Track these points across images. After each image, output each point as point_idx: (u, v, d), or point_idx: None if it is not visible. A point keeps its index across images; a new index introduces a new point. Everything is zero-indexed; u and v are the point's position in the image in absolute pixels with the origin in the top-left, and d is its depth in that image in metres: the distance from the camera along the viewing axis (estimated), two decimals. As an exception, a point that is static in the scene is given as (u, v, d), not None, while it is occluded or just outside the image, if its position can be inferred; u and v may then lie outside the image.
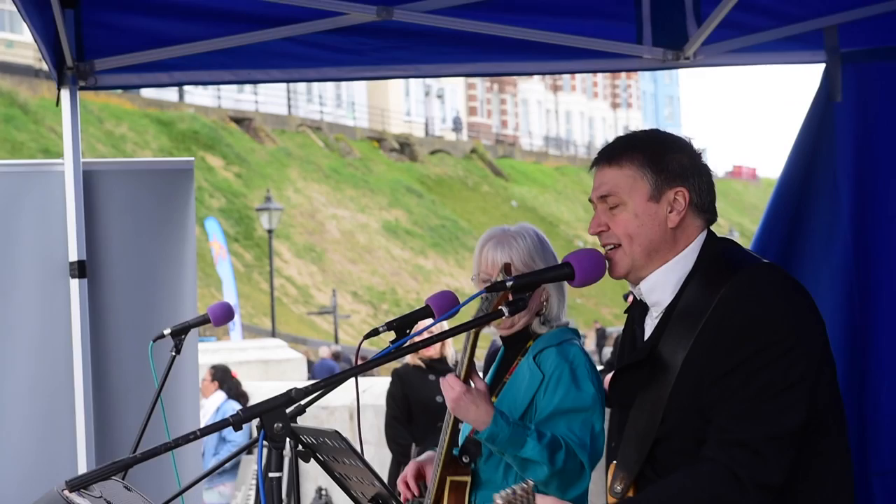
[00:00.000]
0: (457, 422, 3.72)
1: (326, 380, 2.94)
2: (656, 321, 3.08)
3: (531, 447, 3.65)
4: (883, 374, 5.23)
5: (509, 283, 2.97)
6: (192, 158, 5.73)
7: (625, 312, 3.30)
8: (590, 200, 3.15)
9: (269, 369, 15.53)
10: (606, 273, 3.12)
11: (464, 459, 3.84)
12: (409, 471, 4.01)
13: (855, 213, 5.19)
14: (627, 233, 3.05)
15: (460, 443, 3.88)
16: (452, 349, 8.50)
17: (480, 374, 3.73)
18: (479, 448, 3.82)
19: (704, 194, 3.08)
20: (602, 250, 3.13)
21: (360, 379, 3.35)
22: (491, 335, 4.18)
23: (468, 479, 3.84)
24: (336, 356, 24.38)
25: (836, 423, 2.99)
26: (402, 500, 3.97)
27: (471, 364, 3.70)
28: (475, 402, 3.61)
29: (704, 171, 3.10)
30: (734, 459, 2.81)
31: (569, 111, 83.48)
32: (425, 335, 3.25)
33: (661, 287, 3.06)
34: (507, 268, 3.47)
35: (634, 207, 3.05)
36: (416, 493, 3.97)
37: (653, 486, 2.91)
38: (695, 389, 2.90)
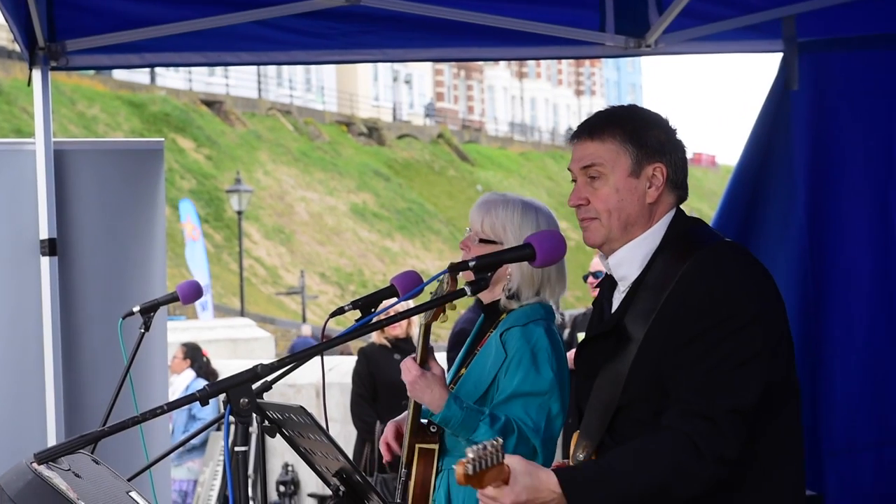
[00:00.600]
0: None
1: (292, 356, 2.95)
2: (623, 295, 3.12)
3: (483, 432, 3.74)
4: (835, 356, 5.32)
5: (471, 264, 3.00)
6: (163, 139, 5.73)
7: (596, 287, 3.36)
8: (569, 169, 3.17)
9: (238, 348, 15.62)
10: (571, 258, 3.18)
11: (431, 429, 3.92)
12: (388, 433, 4.09)
13: (810, 199, 5.27)
14: (608, 207, 3.07)
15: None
16: (418, 329, 8.57)
17: (445, 363, 3.82)
18: None
19: (679, 170, 3.12)
20: (561, 226, 3.19)
21: (327, 358, 3.40)
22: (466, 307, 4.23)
23: (436, 446, 3.92)
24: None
25: (791, 400, 3.03)
26: (384, 461, 4.08)
27: (426, 348, 3.79)
28: (430, 386, 3.73)
29: (680, 147, 3.13)
30: (696, 430, 2.84)
31: (534, 98, 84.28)
32: (390, 313, 3.32)
33: (628, 262, 3.10)
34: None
35: (615, 182, 3.07)
36: (397, 450, 4.06)
37: (613, 452, 2.93)
38: (655, 361, 2.95)
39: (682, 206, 3.17)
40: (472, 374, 3.99)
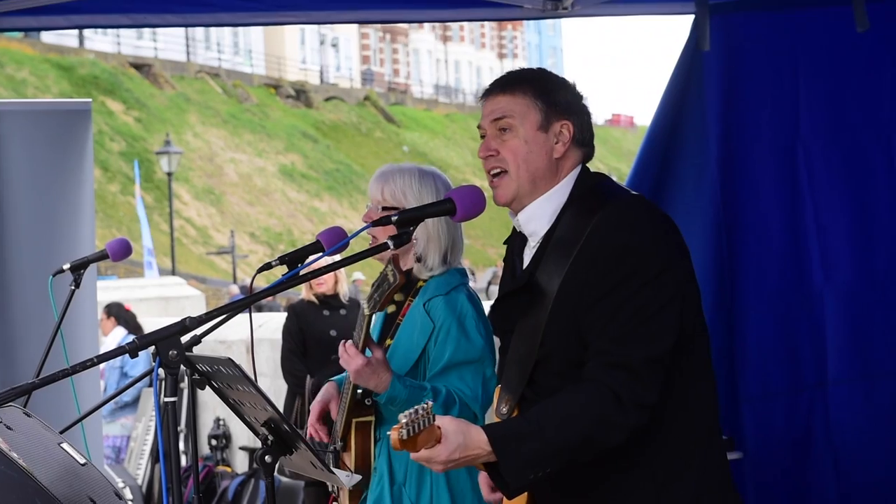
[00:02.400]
0: None
1: (220, 309, 2.97)
2: (534, 251, 3.18)
3: None
4: (748, 306, 5.39)
5: (394, 218, 3.08)
6: (90, 100, 5.73)
7: (504, 243, 3.40)
8: (478, 127, 3.23)
9: (169, 306, 15.61)
10: (496, 217, 3.26)
11: (367, 402, 3.97)
12: (313, 417, 4.13)
13: (722, 155, 5.32)
14: (517, 158, 3.14)
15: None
16: (346, 286, 8.67)
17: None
18: None
19: (586, 131, 3.20)
20: (484, 185, 3.27)
21: (257, 314, 3.44)
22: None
23: (372, 418, 3.99)
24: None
25: (700, 341, 3.13)
26: (314, 438, 4.15)
27: (368, 336, 3.82)
28: (375, 371, 3.77)
29: (585, 111, 3.22)
30: (615, 380, 2.92)
31: (458, 61, 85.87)
32: (314, 267, 3.40)
33: (537, 217, 3.17)
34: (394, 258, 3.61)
35: (525, 134, 3.14)
36: (324, 439, 4.14)
37: (537, 406, 2.99)
38: (571, 314, 3.01)
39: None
40: (400, 346, 4.03)
